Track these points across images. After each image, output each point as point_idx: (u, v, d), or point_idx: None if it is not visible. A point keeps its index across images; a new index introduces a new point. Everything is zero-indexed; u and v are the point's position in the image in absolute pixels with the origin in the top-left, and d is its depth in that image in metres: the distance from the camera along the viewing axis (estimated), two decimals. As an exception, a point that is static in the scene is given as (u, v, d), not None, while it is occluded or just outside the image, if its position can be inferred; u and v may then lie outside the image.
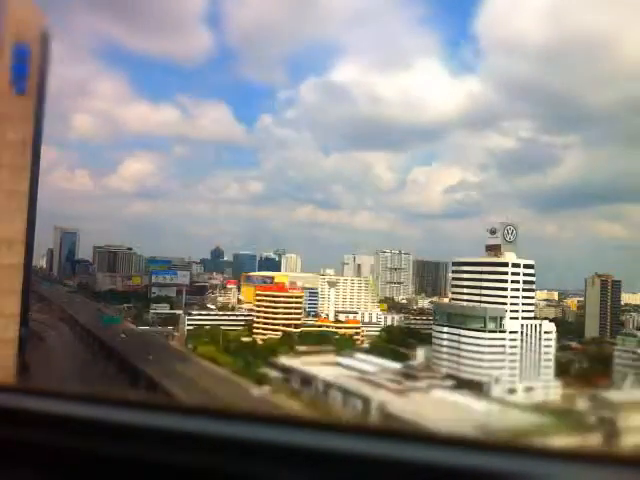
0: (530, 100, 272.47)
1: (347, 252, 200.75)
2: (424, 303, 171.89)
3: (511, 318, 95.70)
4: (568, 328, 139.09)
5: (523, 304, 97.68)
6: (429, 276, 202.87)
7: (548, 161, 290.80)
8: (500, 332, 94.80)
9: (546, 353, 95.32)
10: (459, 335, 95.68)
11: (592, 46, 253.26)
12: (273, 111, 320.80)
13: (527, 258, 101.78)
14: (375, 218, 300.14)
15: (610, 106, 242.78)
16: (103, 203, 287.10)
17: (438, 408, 68.40)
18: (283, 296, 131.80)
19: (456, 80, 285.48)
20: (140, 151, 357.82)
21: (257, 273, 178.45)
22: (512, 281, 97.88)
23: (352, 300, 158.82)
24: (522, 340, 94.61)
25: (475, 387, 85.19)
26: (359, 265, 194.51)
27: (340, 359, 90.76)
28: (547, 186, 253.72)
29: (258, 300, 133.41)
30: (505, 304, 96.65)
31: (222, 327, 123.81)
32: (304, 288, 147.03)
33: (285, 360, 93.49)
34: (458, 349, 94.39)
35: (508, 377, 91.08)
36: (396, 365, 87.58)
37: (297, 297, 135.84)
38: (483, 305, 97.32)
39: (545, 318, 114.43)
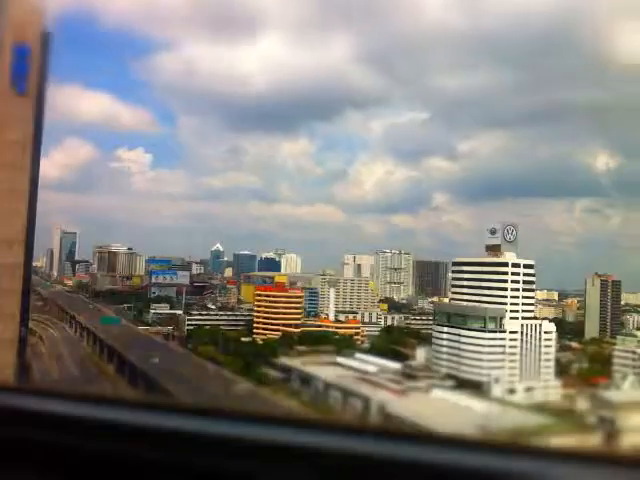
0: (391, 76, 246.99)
1: (294, 246, 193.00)
2: (424, 303, 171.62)
3: (511, 318, 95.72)
4: (568, 328, 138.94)
5: (523, 304, 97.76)
6: (429, 276, 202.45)
7: (451, 147, 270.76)
8: (500, 332, 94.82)
9: (546, 353, 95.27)
10: (459, 335, 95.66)
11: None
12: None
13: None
14: (317, 211, 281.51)
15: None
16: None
17: (438, 408, 68.40)
18: (283, 296, 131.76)
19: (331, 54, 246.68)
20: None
21: (257, 273, 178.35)
22: (512, 281, 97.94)
23: (352, 300, 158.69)
24: (522, 340, 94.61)
25: (475, 387, 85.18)
26: (359, 265, 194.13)
27: (340, 359, 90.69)
28: (463, 175, 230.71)
29: (258, 300, 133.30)
30: (505, 304, 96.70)
31: (222, 327, 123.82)
32: (304, 288, 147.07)
33: (285, 360, 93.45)
34: (458, 349, 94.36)
35: (508, 377, 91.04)
36: (396, 365, 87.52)
37: (297, 297, 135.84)
38: (483, 305, 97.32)
39: (545, 318, 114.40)
